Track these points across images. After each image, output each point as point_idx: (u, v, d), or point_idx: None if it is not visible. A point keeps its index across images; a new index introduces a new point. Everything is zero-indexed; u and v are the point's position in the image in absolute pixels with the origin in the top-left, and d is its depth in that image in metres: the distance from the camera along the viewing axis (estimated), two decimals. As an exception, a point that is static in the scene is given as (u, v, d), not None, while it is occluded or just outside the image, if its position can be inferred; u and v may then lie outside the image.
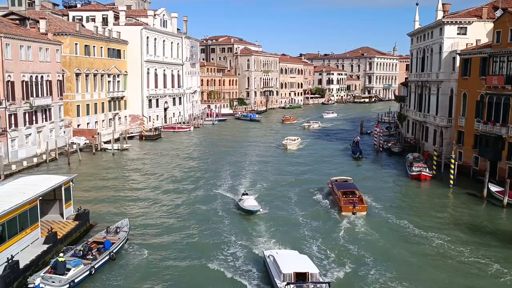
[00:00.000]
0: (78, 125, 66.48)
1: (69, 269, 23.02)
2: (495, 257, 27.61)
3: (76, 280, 23.07)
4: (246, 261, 26.66)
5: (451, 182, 43.39)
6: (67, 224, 29.81)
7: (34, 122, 56.18)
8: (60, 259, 23.11)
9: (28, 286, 22.57)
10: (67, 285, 22.48)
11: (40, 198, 27.19)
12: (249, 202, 35.37)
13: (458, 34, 55.10)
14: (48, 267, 23.47)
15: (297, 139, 69.46)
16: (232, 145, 69.19)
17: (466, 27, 54.89)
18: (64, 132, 62.97)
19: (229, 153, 62.07)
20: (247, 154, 61.46)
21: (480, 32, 53.55)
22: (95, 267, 24.48)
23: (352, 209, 34.94)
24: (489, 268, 26.38)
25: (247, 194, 37.51)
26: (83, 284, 23.53)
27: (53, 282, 22.20)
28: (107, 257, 25.60)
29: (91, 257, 24.87)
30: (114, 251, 26.30)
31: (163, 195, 41.02)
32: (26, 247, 25.59)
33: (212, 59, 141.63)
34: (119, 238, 27.58)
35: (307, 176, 48.79)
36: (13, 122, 52.16)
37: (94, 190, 42.23)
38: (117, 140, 64.35)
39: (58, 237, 27.26)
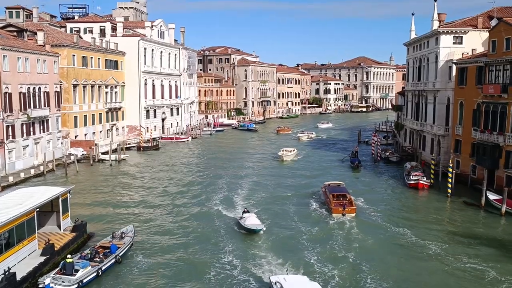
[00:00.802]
0: (76, 136, 66.42)
1: (77, 270, 24.03)
2: (492, 265, 27.57)
3: (84, 281, 24.02)
4: (251, 288, 24.87)
5: (449, 190, 43.39)
6: (64, 235, 29.65)
7: (31, 133, 56.12)
8: (68, 260, 24.14)
9: (39, 286, 23.34)
10: (76, 285, 23.52)
11: (37, 209, 27.07)
12: (251, 221, 33.49)
13: (454, 43, 55.42)
14: (57, 268, 24.41)
15: (293, 150, 68.63)
16: (229, 157, 68.78)
17: (461, 37, 55.24)
18: (62, 143, 62.89)
19: (226, 165, 61.76)
20: (245, 166, 60.60)
21: (475, 41, 53.90)
22: (102, 269, 25.54)
23: (342, 211, 37.05)
24: (486, 275, 26.40)
25: (248, 211, 35.64)
26: (91, 285, 24.51)
27: (62, 282, 23.22)
28: (113, 260, 26.64)
29: (98, 259, 25.89)
30: (120, 255, 27.35)
31: (161, 209, 39.85)
32: (23, 259, 25.43)
33: (210, 69, 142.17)
34: (124, 243, 28.63)
35: (306, 189, 47.04)
36: (10, 133, 52.12)
37: (92, 202, 42.06)
38: (114, 151, 64.31)
39: (55, 249, 27.10)
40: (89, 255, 26.05)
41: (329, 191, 40.45)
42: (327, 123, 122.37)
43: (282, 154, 65.29)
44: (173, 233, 33.63)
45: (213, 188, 47.42)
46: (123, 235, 29.67)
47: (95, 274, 24.88)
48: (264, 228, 33.31)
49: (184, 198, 43.72)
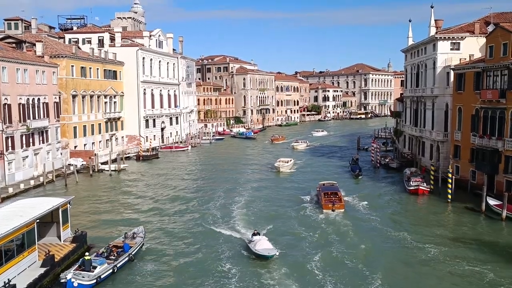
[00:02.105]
0: (75, 147, 66.45)
1: (95, 267, 25.82)
2: (492, 270, 27.65)
3: (102, 277, 25.87)
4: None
5: (449, 196, 43.38)
6: (64, 246, 29.59)
7: (31, 144, 56.14)
8: (86, 258, 25.88)
9: (61, 281, 24.96)
10: (95, 280, 25.32)
11: (38, 220, 27.03)
12: (263, 245, 29.88)
13: (451, 49, 55.64)
14: (76, 265, 26.16)
15: (290, 160, 65.52)
16: (228, 167, 67.58)
17: (459, 43, 55.48)
18: (61, 153, 62.90)
19: (225, 175, 60.82)
20: (243, 178, 57.56)
21: (473, 47, 54.14)
22: (117, 266, 27.34)
23: (331, 207, 40.36)
24: (485, 279, 26.54)
25: (258, 233, 31.94)
26: (107, 281, 26.28)
27: (82, 277, 24.94)
28: (126, 258, 28.43)
29: (113, 257, 27.75)
30: (132, 253, 29.20)
31: (160, 223, 38.36)
32: (23, 270, 25.34)
33: (208, 78, 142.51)
34: (136, 243, 30.46)
35: (309, 205, 43.29)
36: (10, 144, 52.14)
37: (92, 212, 42.00)
38: (114, 160, 64.28)
39: (56, 260, 27.02)
40: (105, 253, 28.03)
41: (322, 190, 43.96)
42: (322, 131, 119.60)
43: (279, 165, 62.28)
44: (171, 254, 30.94)
45: (214, 202, 45.41)
46: (135, 235, 31.52)
47: (111, 270, 26.71)
48: (278, 253, 29.77)
49: (184, 211, 42.58)
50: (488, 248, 31.53)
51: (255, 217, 39.94)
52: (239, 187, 52.07)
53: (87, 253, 26.68)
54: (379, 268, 28.25)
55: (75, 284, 24.62)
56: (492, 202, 39.69)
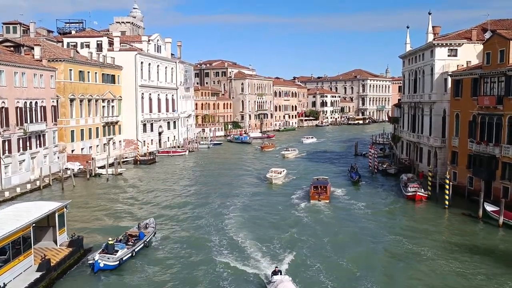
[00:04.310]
0: (72, 151, 66.31)
1: (117, 251, 29.33)
2: (488, 275, 27.84)
3: (123, 259, 29.44)
4: None
5: (447, 202, 43.36)
6: (60, 251, 29.46)
7: (28, 148, 55.99)
8: (110, 243, 29.41)
9: (88, 262, 28.79)
10: (118, 262, 28.86)
11: (34, 224, 26.91)
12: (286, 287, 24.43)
13: (448, 55, 55.84)
14: (100, 249, 29.59)
15: (283, 171, 60.38)
16: (224, 172, 67.06)
17: (456, 49, 55.68)
18: (58, 157, 62.72)
19: (221, 180, 60.39)
20: (237, 186, 55.84)
21: (470, 53, 54.33)
22: (135, 251, 31.06)
23: (317, 198, 45.71)
24: (480, 283, 26.76)
25: (280, 272, 26.05)
26: (127, 263, 29.82)
27: (108, 258, 28.58)
28: (142, 245, 32.13)
29: (131, 243, 31.37)
30: (147, 241, 32.88)
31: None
32: (19, 274, 25.20)
33: (206, 83, 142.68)
34: (148, 232, 34.08)
35: (312, 233, 37.00)
36: (6, 148, 51.99)
37: (88, 216, 41.84)
38: (111, 165, 64.14)
39: (52, 264, 26.90)
40: (123, 240, 31.50)
41: (313, 183, 49.48)
42: (311, 137, 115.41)
43: (271, 177, 57.28)
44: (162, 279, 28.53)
45: (209, 208, 44.76)
46: (147, 226, 35.20)
47: (130, 254, 30.33)
48: None
49: (181, 216, 42.27)
50: (484, 254, 31.49)
51: (246, 220, 40.41)
52: (234, 194, 51.57)
53: (110, 238, 30.17)
54: (370, 269, 28.51)
55: (101, 265, 28.17)
56: (489, 208, 39.67)
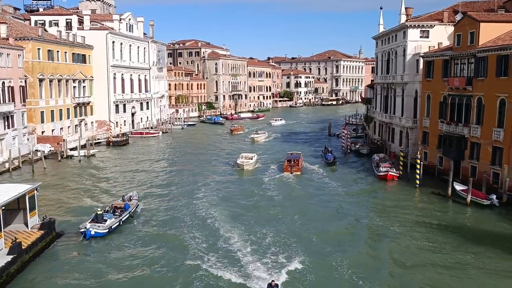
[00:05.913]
0: (43, 132, 64.87)
1: (105, 220, 31.83)
2: (456, 250, 28.81)
3: (112, 227, 31.98)
4: None
5: (417, 181, 44.32)
6: (32, 233, 29.03)
7: (-4, 129, 54.50)
8: (99, 213, 31.88)
9: (80, 230, 30.85)
10: (107, 230, 31.37)
11: (3, 207, 26.37)
12: None
13: (421, 37, 56.44)
14: (90, 219, 32.05)
15: (254, 156, 57.68)
16: (198, 152, 67.44)
17: (428, 30, 56.29)
18: (28, 139, 61.28)
19: (194, 161, 60.54)
20: (209, 170, 54.18)
21: (441, 35, 55.01)
22: (122, 220, 33.48)
23: (290, 170, 50.01)
24: (448, 258, 27.67)
25: (277, 286, 22.87)
26: (116, 231, 32.27)
27: (98, 227, 30.98)
28: (127, 215, 34.53)
29: (118, 214, 33.77)
30: (131, 211, 35.33)
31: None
32: (-11, 258, 24.79)
33: (180, 63, 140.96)
34: (132, 203, 36.61)
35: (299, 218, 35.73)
36: (-27, 130, 50.50)
37: (60, 198, 41.20)
38: (83, 146, 63.10)
39: (23, 247, 26.50)
40: (110, 211, 33.97)
41: (286, 158, 54.07)
42: (280, 119, 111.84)
43: (242, 163, 54.39)
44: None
45: (181, 188, 45.71)
46: (131, 198, 37.76)
47: (117, 223, 32.77)
48: None
49: (153, 196, 42.70)
50: (453, 231, 32.46)
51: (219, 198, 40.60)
52: (206, 174, 52.00)
53: (99, 209, 33.14)
54: (340, 245, 29.14)
55: (92, 233, 30.46)
56: (458, 187, 40.72)
